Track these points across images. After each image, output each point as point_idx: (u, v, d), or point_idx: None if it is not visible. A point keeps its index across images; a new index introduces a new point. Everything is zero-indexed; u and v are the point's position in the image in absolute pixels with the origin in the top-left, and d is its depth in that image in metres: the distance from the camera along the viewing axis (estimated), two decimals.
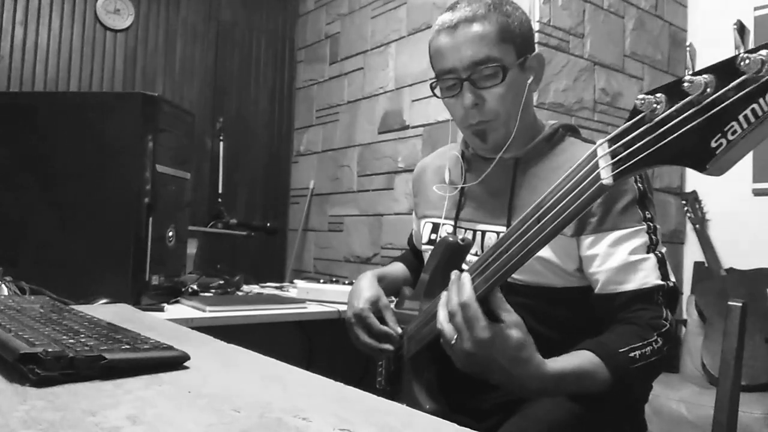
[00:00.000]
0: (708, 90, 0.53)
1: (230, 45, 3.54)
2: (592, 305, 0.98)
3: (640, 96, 0.58)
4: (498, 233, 1.05)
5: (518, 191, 1.05)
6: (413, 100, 2.79)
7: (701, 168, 0.55)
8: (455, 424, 0.50)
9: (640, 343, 0.88)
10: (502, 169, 1.07)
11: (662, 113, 0.57)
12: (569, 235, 0.98)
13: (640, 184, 0.98)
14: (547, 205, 0.72)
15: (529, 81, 1.04)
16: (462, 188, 1.14)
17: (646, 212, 0.97)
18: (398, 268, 1.34)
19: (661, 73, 2.79)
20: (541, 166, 1.06)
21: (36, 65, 2.96)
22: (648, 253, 0.95)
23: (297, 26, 3.73)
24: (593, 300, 0.98)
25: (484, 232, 1.08)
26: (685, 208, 2.73)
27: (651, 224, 0.97)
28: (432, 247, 1.13)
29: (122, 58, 3.19)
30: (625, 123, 0.61)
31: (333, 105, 3.35)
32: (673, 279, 0.95)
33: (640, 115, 0.59)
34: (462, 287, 0.80)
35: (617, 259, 0.94)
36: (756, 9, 2.63)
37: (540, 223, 0.72)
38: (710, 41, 2.79)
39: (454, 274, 0.84)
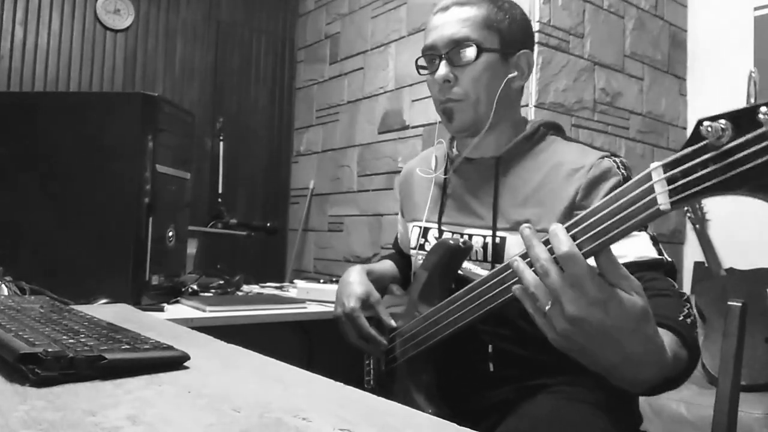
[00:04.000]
0: None
1: (230, 45, 3.54)
2: None
3: (706, 123, 0.55)
4: (484, 236, 1.04)
5: (501, 192, 1.05)
6: (413, 100, 2.79)
7: None
8: (455, 425, 0.50)
9: (686, 311, 0.82)
10: (484, 169, 1.08)
11: (730, 142, 0.54)
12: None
13: None
14: (589, 222, 0.65)
15: (511, 75, 1.05)
16: (445, 190, 1.14)
17: None
18: (387, 266, 1.32)
19: (661, 73, 2.79)
20: (522, 165, 1.06)
21: (36, 65, 2.96)
22: (640, 231, 0.91)
23: (297, 26, 3.73)
24: None
25: (470, 236, 1.06)
26: (685, 208, 2.73)
27: None
28: (420, 252, 1.13)
29: (122, 58, 3.19)
30: (683, 148, 0.58)
31: (333, 105, 3.35)
32: (668, 257, 0.93)
33: (702, 142, 0.56)
34: (559, 238, 0.64)
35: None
36: (756, 9, 2.63)
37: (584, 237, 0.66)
38: (710, 41, 2.79)
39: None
